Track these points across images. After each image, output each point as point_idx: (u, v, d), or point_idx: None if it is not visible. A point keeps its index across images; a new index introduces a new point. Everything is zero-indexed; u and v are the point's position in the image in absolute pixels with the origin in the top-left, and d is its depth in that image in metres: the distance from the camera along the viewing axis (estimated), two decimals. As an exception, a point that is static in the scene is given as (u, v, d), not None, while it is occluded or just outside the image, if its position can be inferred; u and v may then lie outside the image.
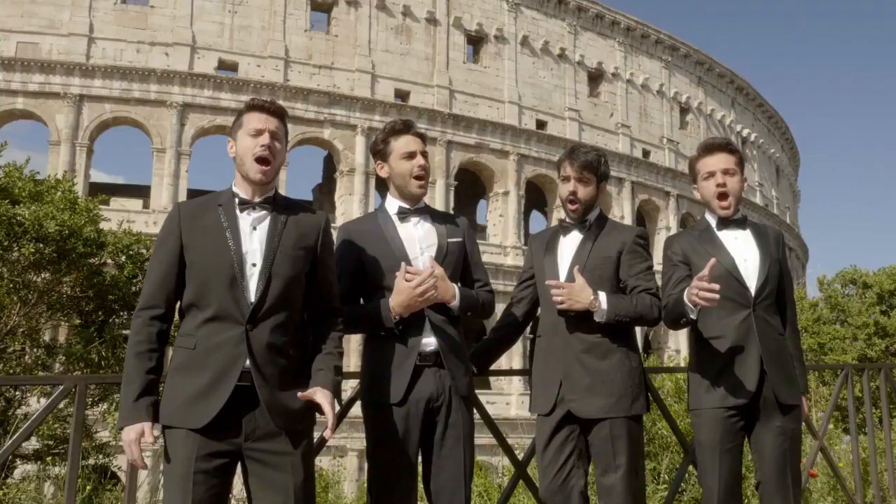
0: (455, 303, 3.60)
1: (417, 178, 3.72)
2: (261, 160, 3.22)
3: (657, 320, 3.89)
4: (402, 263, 3.53)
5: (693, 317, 3.77)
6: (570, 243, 4.02)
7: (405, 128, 3.76)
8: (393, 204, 3.78)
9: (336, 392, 3.13)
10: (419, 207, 3.77)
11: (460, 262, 3.76)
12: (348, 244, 3.71)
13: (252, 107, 3.34)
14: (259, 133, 3.25)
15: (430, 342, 3.55)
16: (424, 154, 3.74)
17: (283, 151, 3.33)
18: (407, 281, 3.48)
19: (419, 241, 3.69)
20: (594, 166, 3.99)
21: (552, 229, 4.20)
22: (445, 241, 3.71)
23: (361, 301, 3.71)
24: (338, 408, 3.17)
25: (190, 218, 3.21)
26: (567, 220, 4.07)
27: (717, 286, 3.56)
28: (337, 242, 3.69)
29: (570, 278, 3.87)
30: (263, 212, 3.24)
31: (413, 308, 3.50)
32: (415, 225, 3.73)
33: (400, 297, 3.48)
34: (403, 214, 3.74)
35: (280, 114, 3.35)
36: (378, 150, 3.79)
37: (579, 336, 3.83)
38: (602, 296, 3.76)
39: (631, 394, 3.82)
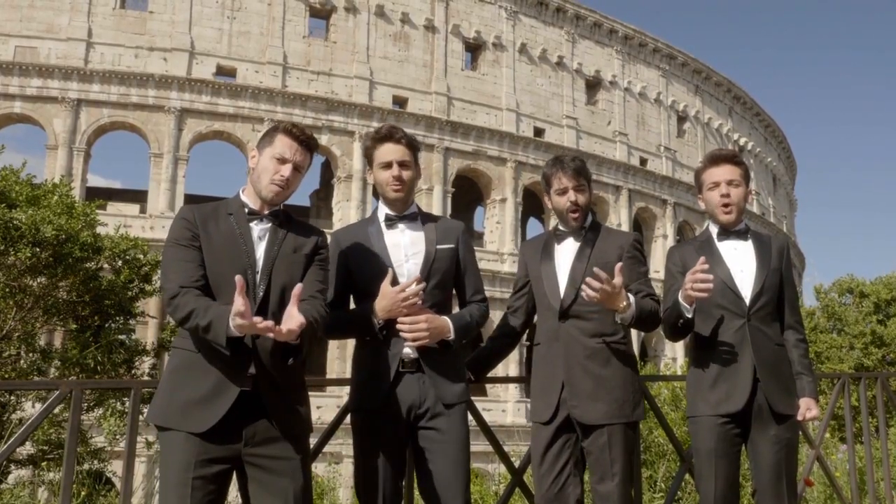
0: (450, 337, 3.56)
1: (393, 187, 3.67)
2: (275, 184, 3.24)
3: (658, 325, 3.93)
4: (390, 269, 3.51)
5: (689, 315, 3.82)
6: (566, 250, 4.01)
7: (386, 135, 3.70)
8: (382, 210, 3.77)
9: (311, 325, 2.99)
10: (409, 213, 3.74)
11: (451, 268, 3.71)
12: (336, 251, 3.71)
13: (287, 131, 3.28)
14: (284, 162, 3.24)
15: (411, 349, 3.53)
16: (404, 163, 3.66)
17: (299, 181, 3.33)
18: (392, 287, 3.45)
19: (404, 248, 3.66)
20: (585, 171, 4.00)
21: (544, 236, 4.18)
22: (433, 248, 3.66)
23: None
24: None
25: (202, 221, 3.21)
26: (561, 226, 4.06)
27: (710, 276, 3.64)
28: (329, 248, 3.70)
29: (571, 285, 3.87)
30: (269, 224, 3.26)
31: (396, 314, 3.46)
32: (401, 232, 3.70)
33: (383, 301, 3.46)
34: (391, 221, 3.72)
35: (311, 147, 3.33)
36: (366, 158, 3.80)
37: (581, 342, 3.84)
38: (632, 299, 3.75)
39: (632, 400, 3.84)
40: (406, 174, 3.67)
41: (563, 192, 3.96)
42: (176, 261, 3.12)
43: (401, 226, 3.71)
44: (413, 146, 3.74)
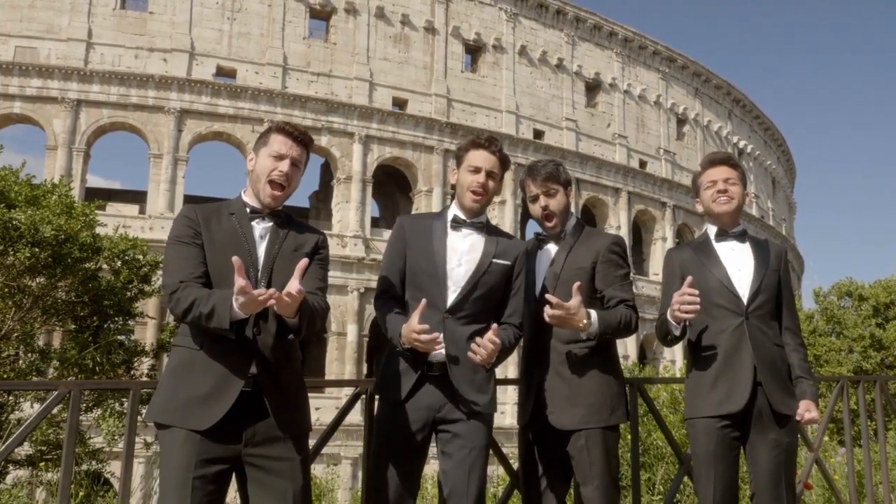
0: (489, 366, 3.55)
1: (474, 192, 3.71)
2: (275, 185, 3.26)
3: (634, 331, 3.91)
4: (423, 301, 3.46)
5: (677, 333, 3.87)
6: (546, 255, 4.03)
7: (484, 143, 3.77)
8: (452, 211, 3.82)
9: (304, 307, 3.04)
10: (478, 222, 3.77)
11: (501, 284, 3.71)
12: (399, 236, 3.79)
13: (280, 129, 3.34)
14: (281, 158, 3.28)
15: (440, 353, 3.56)
16: (492, 174, 3.72)
17: (298, 178, 3.37)
18: (419, 325, 3.40)
19: (460, 253, 3.70)
20: (556, 176, 4.00)
21: (529, 242, 4.19)
22: (488, 260, 3.68)
23: (405, 294, 3.73)
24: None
25: (205, 220, 3.24)
26: (542, 232, 4.08)
27: (697, 298, 3.67)
28: (392, 231, 3.84)
29: (546, 291, 3.87)
30: (271, 223, 3.29)
31: (412, 347, 3.47)
32: (464, 236, 3.74)
33: (405, 330, 3.47)
34: (457, 224, 3.76)
35: (306, 143, 3.37)
36: (456, 157, 3.86)
37: (558, 348, 3.85)
38: (594, 316, 3.72)
39: (609, 404, 3.83)
40: (491, 184, 3.74)
41: (535, 198, 4.01)
42: (177, 258, 3.15)
43: (465, 231, 3.75)
44: (504, 162, 3.81)
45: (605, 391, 3.82)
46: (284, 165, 3.27)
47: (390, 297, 3.74)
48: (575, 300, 3.60)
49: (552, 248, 4.01)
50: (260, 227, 3.27)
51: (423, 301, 3.46)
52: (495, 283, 3.69)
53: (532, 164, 4.09)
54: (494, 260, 3.69)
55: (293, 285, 2.90)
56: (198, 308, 2.96)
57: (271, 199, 3.27)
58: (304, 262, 2.98)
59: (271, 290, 2.85)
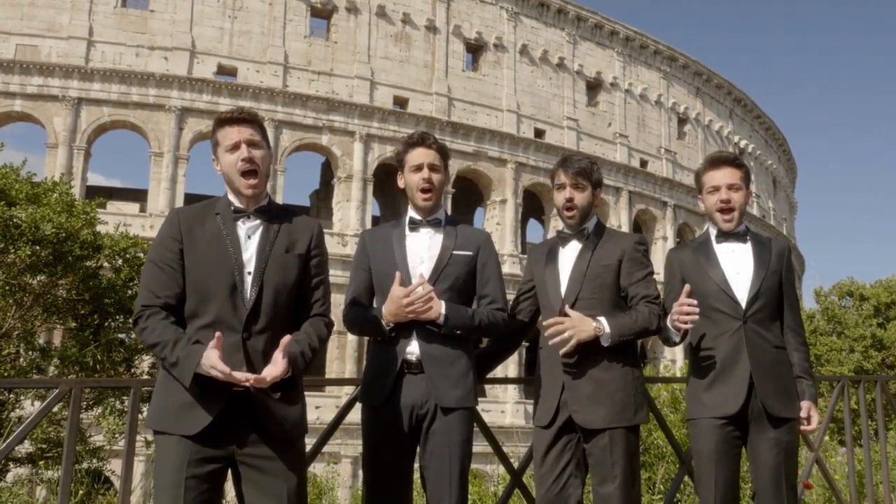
0: (440, 321, 3.57)
1: (423, 190, 3.75)
2: (246, 174, 3.21)
3: (658, 330, 3.91)
4: (397, 273, 3.58)
5: (676, 340, 3.91)
6: (569, 253, 4.03)
7: (418, 141, 3.81)
8: (409, 214, 3.86)
9: (295, 363, 3.05)
10: (435, 219, 3.81)
11: (466, 275, 3.73)
12: (362, 249, 3.85)
13: (221, 122, 3.28)
14: (236, 147, 3.22)
15: (413, 350, 3.59)
16: (434, 167, 3.76)
17: (267, 156, 3.29)
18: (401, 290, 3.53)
19: (421, 251, 3.74)
20: (588, 173, 4.02)
21: (551, 241, 4.20)
22: (448, 254, 3.71)
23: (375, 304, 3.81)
24: (282, 369, 3.03)
25: (188, 225, 3.20)
26: (565, 229, 4.08)
27: (694, 301, 3.71)
28: (357, 247, 3.90)
29: (571, 288, 3.89)
30: (258, 221, 3.24)
31: (401, 318, 3.54)
32: (422, 236, 3.78)
33: (390, 305, 3.54)
34: (414, 225, 3.80)
35: (251, 120, 3.29)
36: (397, 162, 3.88)
37: (582, 345, 3.83)
38: (603, 321, 3.74)
39: (634, 403, 3.84)
40: (436, 177, 3.77)
41: (561, 188, 4.03)
42: (146, 279, 3.16)
43: (423, 230, 3.79)
44: (443, 152, 3.85)
45: (629, 390, 3.83)
46: (244, 152, 3.20)
47: (359, 305, 3.80)
48: (574, 313, 3.73)
49: (575, 245, 4.02)
50: (246, 227, 3.21)
51: (398, 273, 3.56)
52: (459, 273, 3.71)
53: (567, 155, 4.16)
54: (455, 252, 3.73)
55: (276, 367, 2.96)
56: (162, 351, 2.99)
57: (251, 188, 3.20)
58: (286, 339, 3.01)
59: (248, 376, 2.89)
